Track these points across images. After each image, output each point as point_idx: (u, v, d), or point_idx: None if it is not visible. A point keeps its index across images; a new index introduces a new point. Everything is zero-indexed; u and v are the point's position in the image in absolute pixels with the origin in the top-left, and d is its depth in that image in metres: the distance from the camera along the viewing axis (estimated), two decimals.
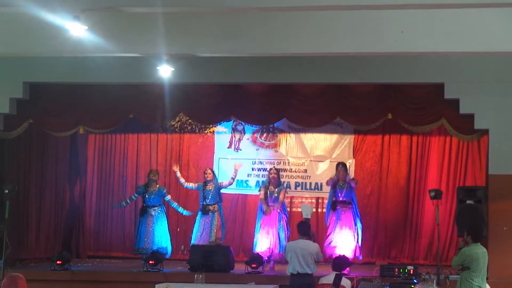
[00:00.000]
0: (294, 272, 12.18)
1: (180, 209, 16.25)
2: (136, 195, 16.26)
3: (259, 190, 15.98)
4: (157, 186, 16.13)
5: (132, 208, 18.09)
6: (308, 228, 12.82)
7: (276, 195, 15.61)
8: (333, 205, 15.53)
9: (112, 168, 18.45)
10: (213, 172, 16.24)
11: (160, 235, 15.84)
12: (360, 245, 15.54)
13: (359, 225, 15.56)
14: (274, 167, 16.37)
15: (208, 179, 15.97)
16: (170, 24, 11.46)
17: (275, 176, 15.80)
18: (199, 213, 15.94)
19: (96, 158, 18.51)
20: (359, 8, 10.28)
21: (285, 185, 16.69)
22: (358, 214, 15.68)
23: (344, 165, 15.82)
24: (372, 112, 15.40)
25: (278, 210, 15.61)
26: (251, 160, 18.00)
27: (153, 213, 15.89)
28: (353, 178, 16.10)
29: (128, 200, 16.43)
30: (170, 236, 16.30)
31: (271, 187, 15.74)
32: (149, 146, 18.40)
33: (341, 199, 15.52)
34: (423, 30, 11.31)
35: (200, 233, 15.76)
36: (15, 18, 11.54)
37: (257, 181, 17.76)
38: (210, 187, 15.89)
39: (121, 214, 18.15)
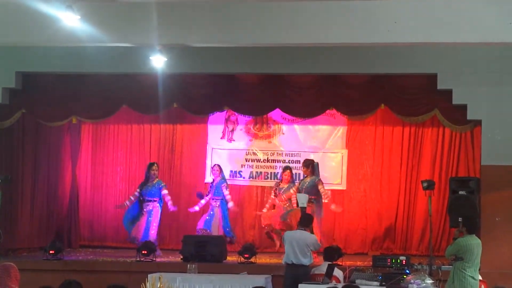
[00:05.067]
0: (289, 262, 12.23)
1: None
2: (138, 191, 16.22)
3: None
4: (156, 179, 16.16)
5: (126, 199, 18.02)
6: (310, 222, 12.93)
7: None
8: None
9: (105, 158, 18.47)
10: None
11: (150, 229, 15.88)
12: None
13: None
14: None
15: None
16: (163, 14, 11.45)
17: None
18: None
19: (90, 148, 18.53)
20: None
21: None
22: None
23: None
24: (365, 103, 15.37)
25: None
26: (244, 151, 18.01)
27: (148, 208, 15.91)
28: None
29: (131, 198, 16.31)
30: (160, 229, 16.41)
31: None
32: (143, 137, 18.42)
33: None
34: (416, 21, 11.32)
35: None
36: (8, 8, 11.54)
37: (250, 172, 17.82)
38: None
39: (114, 204, 18.16)
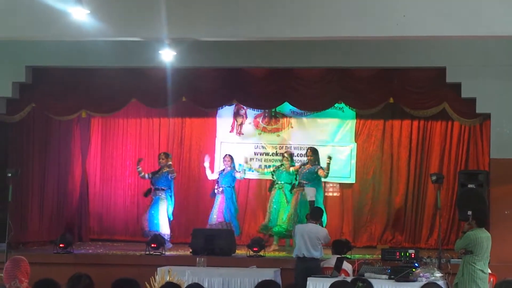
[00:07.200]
0: (300, 255, 12.26)
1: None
2: (150, 176, 16.27)
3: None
4: (166, 169, 16.18)
5: (135, 192, 18.18)
6: (321, 216, 12.98)
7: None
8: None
9: (114, 152, 18.53)
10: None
11: (159, 220, 15.89)
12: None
13: None
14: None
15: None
16: (172, 8, 11.43)
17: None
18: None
19: (99, 142, 18.59)
20: None
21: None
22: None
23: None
24: (373, 96, 15.36)
25: None
26: (253, 145, 18.03)
27: (156, 195, 15.94)
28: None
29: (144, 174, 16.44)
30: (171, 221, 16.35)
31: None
32: (152, 130, 18.47)
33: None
34: (425, 14, 11.26)
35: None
36: (18, 2, 11.53)
37: (259, 165, 17.83)
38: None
39: (124, 197, 18.28)
